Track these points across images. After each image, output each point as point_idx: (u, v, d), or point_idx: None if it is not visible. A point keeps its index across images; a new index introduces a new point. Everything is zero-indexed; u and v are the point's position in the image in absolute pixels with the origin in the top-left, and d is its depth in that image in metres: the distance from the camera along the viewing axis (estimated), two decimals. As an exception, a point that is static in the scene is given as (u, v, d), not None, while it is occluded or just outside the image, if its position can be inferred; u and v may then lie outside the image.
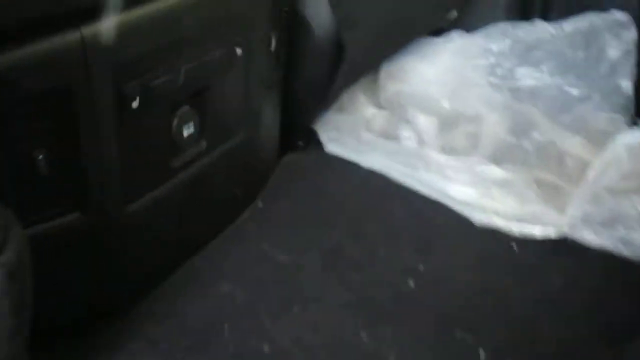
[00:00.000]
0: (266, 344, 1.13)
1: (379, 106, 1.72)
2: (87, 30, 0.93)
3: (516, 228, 1.41)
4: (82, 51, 0.93)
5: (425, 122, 1.66)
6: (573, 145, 1.62)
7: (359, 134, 1.63)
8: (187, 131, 1.18)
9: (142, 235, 1.18)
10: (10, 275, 0.70)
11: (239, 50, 1.20)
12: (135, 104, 1.03)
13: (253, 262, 1.30)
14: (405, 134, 1.66)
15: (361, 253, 1.34)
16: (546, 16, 1.83)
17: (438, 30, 1.82)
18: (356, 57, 1.46)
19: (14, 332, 0.74)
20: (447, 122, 1.67)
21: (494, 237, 1.39)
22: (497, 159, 1.61)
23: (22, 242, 0.74)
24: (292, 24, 1.39)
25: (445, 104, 1.68)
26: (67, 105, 0.95)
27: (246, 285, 1.24)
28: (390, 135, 1.67)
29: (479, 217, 1.43)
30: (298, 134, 1.57)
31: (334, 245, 1.34)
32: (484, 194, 1.48)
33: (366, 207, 1.45)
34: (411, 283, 1.27)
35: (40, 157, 0.95)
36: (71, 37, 0.92)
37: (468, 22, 1.84)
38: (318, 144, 1.59)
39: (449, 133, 1.66)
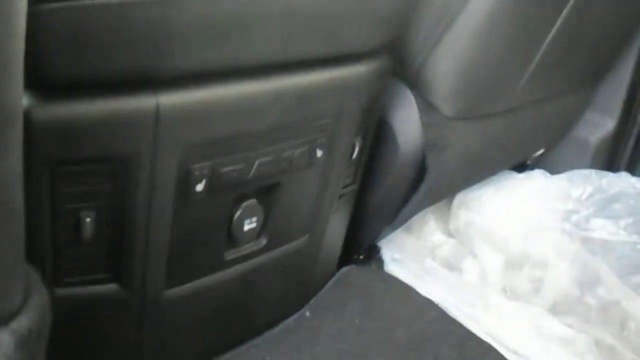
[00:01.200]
0: None
1: (448, 233, 1.69)
2: (164, 99, 0.88)
3: (571, 393, 1.34)
4: (154, 119, 0.88)
5: (490, 259, 1.62)
6: (638, 309, 1.55)
7: (423, 259, 1.59)
8: (249, 225, 1.13)
9: (179, 322, 1.13)
10: (20, 345, 0.66)
11: (319, 152, 1.15)
12: (199, 187, 0.98)
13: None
14: (469, 267, 1.62)
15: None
16: (633, 169, 1.80)
17: (521, 165, 1.79)
18: (437, 181, 1.43)
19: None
20: (513, 263, 1.62)
21: (545, 399, 1.32)
22: (557, 310, 1.55)
23: (41, 310, 0.70)
24: (379, 136, 1.35)
25: (514, 244, 1.64)
26: (127, 172, 0.90)
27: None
28: (453, 266, 1.63)
29: (533, 374, 1.36)
30: (360, 247, 1.53)
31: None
32: (541, 348, 1.42)
33: (415, 339, 1.39)
34: None
35: (88, 219, 0.91)
36: (146, 102, 0.87)
37: (552, 162, 1.82)
38: (379, 261, 1.56)
39: (513, 274, 1.61)
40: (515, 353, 1.40)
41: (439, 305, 1.48)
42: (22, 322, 0.66)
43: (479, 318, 1.46)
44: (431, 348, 1.38)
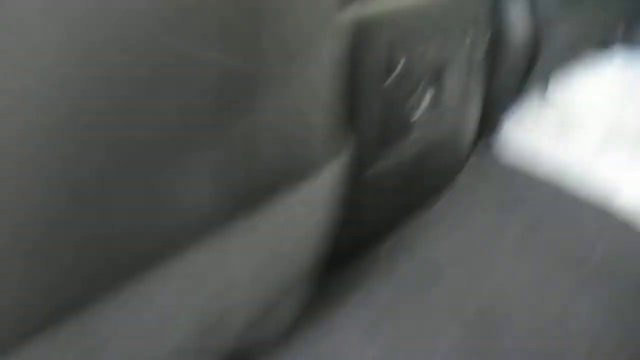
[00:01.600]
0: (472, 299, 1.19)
1: (550, 115, 1.82)
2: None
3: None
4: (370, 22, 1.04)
5: (590, 132, 1.76)
6: None
7: (535, 140, 1.73)
8: (422, 107, 1.25)
9: (372, 197, 1.24)
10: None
11: (468, 39, 1.30)
12: (394, 74, 1.12)
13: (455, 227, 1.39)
14: (574, 145, 1.75)
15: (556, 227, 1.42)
16: None
17: (605, 44, 1.92)
18: (546, 65, 1.56)
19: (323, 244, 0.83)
20: (612, 134, 1.76)
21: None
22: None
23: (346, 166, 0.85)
24: (495, 27, 1.48)
25: (610, 115, 1.78)
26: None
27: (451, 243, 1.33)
28: (561, 142, 1.76)
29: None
30: (482, 137, 1.66)
31: (535, 216, 1.43)
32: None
33: (544, 206, 1.50)
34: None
35: None
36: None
37: (632, 40, 1.94)
38: (497, 149, 1.69)
39: (613, 145, 1.75)
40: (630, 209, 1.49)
41: (556, 181, 1.58)
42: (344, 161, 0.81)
43: (594, 186, 1.57)
44: (561, 212, 1.48)
